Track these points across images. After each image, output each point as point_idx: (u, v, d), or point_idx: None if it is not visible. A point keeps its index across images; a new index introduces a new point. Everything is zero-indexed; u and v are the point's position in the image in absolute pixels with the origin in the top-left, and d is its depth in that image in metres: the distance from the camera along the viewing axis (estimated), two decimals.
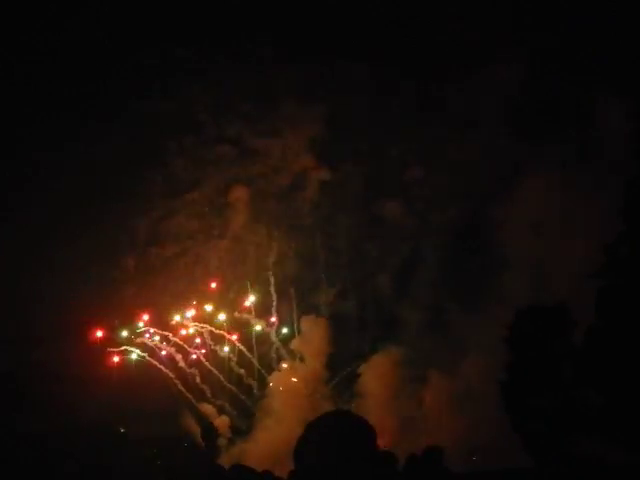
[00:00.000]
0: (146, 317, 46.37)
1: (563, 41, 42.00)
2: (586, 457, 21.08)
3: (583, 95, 42.23)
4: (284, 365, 47.17)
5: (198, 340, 47.19)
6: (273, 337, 47.17)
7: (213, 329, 46.54)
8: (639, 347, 20.72)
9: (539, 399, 21.61)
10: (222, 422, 46.06)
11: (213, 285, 47.38)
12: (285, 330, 47.46)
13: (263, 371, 46.41)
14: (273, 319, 47.60)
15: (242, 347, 46.69)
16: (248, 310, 47.31)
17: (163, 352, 46.38)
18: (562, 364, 21.60)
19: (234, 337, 47.31)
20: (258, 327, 47.39)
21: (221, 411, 46.28)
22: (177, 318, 46.71)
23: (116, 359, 45.60)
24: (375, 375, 44.92)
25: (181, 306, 46.95)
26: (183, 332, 46.85)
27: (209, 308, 47.15)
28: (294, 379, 46.27)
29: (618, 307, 20.86)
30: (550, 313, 21.89)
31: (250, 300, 47.52)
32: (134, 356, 45.93)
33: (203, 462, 43.40)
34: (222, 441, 45.64)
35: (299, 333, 46.80)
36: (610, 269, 21.00)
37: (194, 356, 46.83)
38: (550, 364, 21.65)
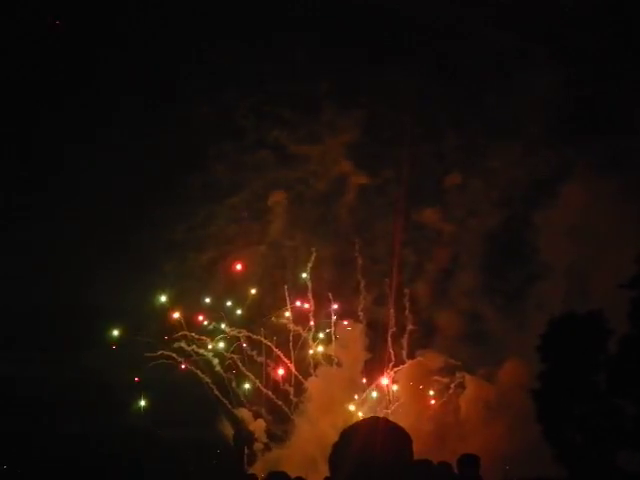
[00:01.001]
0: (177, 315, 46.55)
1: (603, 46, 41.71)
2: (620, 468, 20.79)
3: (624, 100, 41.97)
4: (321, 370, 47.06)
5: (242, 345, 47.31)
6: (310, 342, 47.21)
7: (250, 334, 46.64)
8: None
9: (573, 408, 21.35)
10: (258, 426, 46.10)
11: (238, 267, 47.37)
12: (322, 335, 47.44)
13: (300, 376, 46.44)
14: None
15: (279, 352, 46.79)
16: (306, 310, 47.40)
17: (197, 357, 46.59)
18: (597, 373, 21.31)
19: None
20: (321, 335, 47.52)
21: (257, 416, 46.37)
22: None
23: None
24: (411, 381, 44.91)
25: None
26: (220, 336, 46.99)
27: (254, 291, 47.38)
28: (330, 385, 46.08)
29: None
30: (585, 321, 21.57)
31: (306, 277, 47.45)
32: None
33: (235, 468, 43.49)
34: (258, 446, 45.70)
35: (336, 339, 46.87)
36: None
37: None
38: (584, 373, 21.37)
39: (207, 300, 47.40)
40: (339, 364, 46.62)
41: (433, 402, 44.94)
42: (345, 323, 47.02)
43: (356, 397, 46.40)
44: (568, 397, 21.26)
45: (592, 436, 21.26)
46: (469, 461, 17.30)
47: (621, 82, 42.23)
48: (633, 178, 39.97)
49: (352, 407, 45.89)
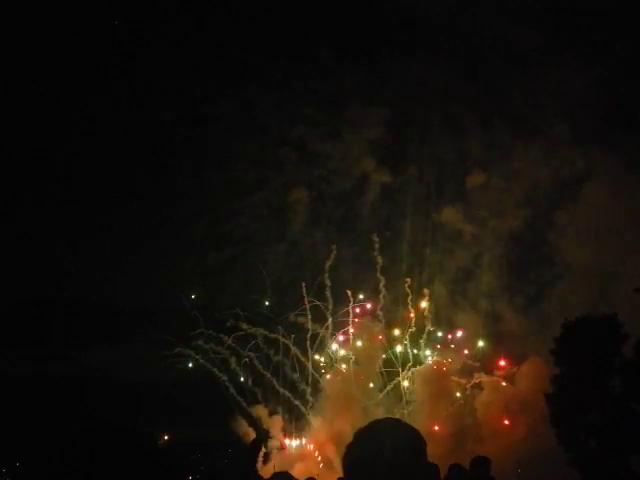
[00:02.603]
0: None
1: (631, 45, 41.80)
2: (636, 473, 21.04)
3: None
4: (338, 369, 47.30)
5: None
6: (328, 340, 47.53)
7: (267, 333, 46.98)
8: None
9: (588, 413, 21.62)
10: (274, 423, 46.40)
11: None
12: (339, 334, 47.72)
13: (317, 375, 46.72)
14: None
15: (297, 350, 47.09)
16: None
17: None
18: (612, 378, 21.56)
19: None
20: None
21: (273, 414, 46.66)
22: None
23: None
24: (429, 382, 45.02)
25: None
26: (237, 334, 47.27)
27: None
28: (347, 384, 46.27)
29: None
30: (600, 325, 21.84)
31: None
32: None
33: (244, 468, 43.66)
34: (274, 443, 46.05)
35: (354, 337, 47.17)
36: None
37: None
38: (599, 377, 21.62)
39: (226, 298, 47.60)
40: (356, 363, 46.90)
41: (450, 403, 44.97)
42: (363, 321, 47.18)
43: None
44: (583, 401, 21.60)
45: (607, 441, 21.58)
46: (480, 463, 17.82)
47: None
48: None
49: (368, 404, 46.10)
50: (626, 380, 21.47)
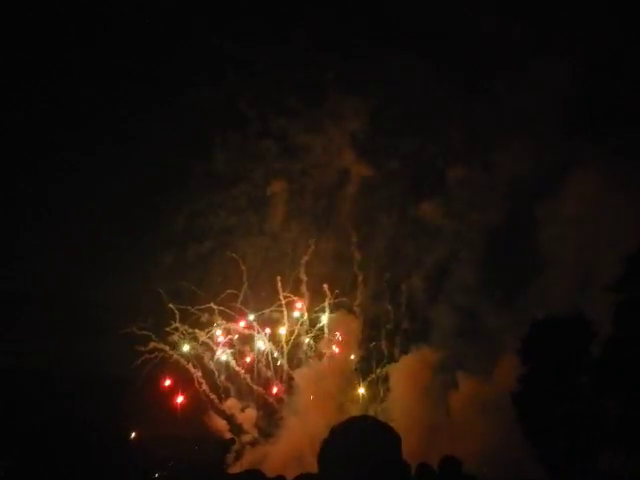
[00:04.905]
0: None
1: (615, 38, 42.23)
2: (603, 470, 21.54)
3: (632, 94, 42.51)
4: (312, 364, 47.73)
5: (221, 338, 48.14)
6: (303, 336, 47.93)
7: (242, 328, 47.33)
8: None
9: (555, 410, 22.04)
10: (247, 417, 46.86)
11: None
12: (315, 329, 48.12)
13: (291, 372, 47.16)
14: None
15: (271, 346, 47.50)
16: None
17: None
18: (580, 375, 21.98)
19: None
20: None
21: (246, 409, 47.09)
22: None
23: None
24: (404, 378, 45.38)
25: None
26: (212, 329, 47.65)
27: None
28: (321, 378, 46.73)
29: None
30: (567, 324, 22.21)
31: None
32: None
33: (213, 466, 44.01)
34: (247, 438, 46.48)
35: (329, 332, 47.67)
36: (630, 281, 21.36)
37: (222, 355, 47.67)
38: (567, 375, 22.01)
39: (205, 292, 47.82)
40: (331, 357, 47.35)
41: (425, 399, 45.28)
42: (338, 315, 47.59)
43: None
44: (550, 399, 22.03)
45: (575, 438, 22.04)
46: (450, 463, 18.46)
47: (633, 73, 42.77)
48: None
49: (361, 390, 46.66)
50: (595, 377, 21.88)
